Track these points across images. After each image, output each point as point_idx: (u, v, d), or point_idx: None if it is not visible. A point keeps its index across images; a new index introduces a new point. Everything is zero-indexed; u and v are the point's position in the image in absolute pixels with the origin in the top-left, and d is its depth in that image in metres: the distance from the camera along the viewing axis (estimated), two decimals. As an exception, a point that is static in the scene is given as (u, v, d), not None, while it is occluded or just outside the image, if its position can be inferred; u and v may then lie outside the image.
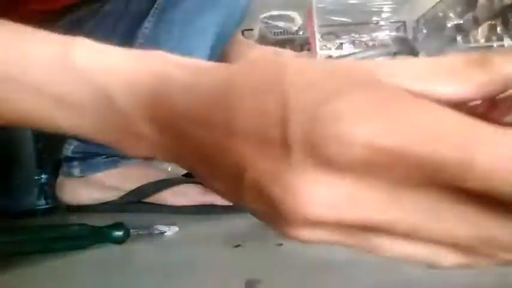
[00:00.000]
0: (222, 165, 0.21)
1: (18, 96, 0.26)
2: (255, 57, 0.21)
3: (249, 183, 0.19)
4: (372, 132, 0.16)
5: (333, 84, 0.18)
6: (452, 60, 0.19)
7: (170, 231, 0.58)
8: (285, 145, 0.18)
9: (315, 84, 0.18)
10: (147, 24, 0.76)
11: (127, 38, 0.77)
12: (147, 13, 0.77)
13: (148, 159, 0.25)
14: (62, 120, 0.26)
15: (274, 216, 0.19)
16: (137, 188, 0.76)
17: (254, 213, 0.21)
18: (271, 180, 0.18)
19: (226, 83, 0.21)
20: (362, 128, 0.16)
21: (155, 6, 0.77)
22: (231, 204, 0.39)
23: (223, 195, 0.23)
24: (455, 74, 0.19)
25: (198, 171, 0.23)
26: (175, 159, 0.24)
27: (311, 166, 0.17)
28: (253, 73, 0.20)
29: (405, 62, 0.20)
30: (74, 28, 0.77)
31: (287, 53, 0.87)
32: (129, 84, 0.24)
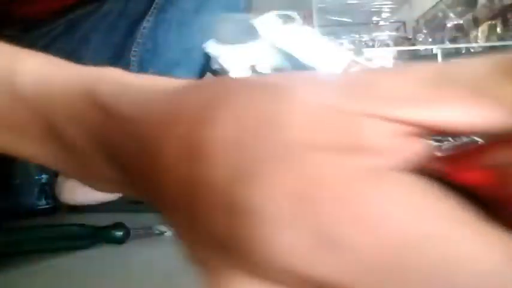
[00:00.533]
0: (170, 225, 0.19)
1: None
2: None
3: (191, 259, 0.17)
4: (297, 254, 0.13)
5: (255, 153, 0.14)
6: (472, 68, 0.14)
7: (170, 231, 0.58)
8: (209, 233, 0.15)
9: (238, 151, 0.14)
10: (146, 23, 0.76)
11: (126, 37, 0.77)
12: (146, 12, 0.77)
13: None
14: (13, 149, 0.24)
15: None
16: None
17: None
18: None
19: (161, 121, 0.17)
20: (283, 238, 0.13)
21: (154, 5, 0.77)
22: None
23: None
24: (480, 91, 0.13)
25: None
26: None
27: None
28: (181, 117, 0.16)
29: (401, 77, 0.14)
30: (73, 27, 0.77)
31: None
32: (78, 119, 0.21)
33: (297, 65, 0.66)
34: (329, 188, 0.13)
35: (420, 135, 0.14)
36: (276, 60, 0.67)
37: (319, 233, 0.13)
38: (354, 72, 0.16)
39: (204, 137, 0.15)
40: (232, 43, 0.69)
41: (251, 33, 0.67)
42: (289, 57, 0.66)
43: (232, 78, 0.18)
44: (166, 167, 0.16)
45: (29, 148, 0.24)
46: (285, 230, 0.13)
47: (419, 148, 0.14)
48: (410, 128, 0.14)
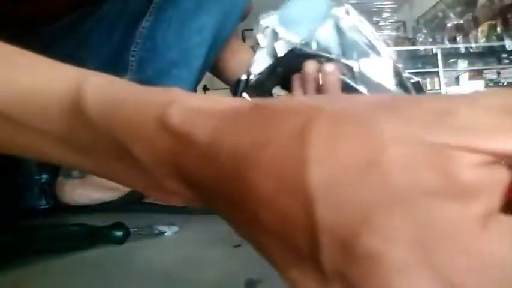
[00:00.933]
0: (256, 247, 0.19)
1: (26, 139, 0.25)
2: (274, 120, 0.18)
3: (282, 277, 0.18)
4: None
5: (364, 196, 0.15)
6: None
7: (170, 231, 0.58)
8: (316, 266, 0.16)
9: (342, 193, 0.15)
10: (145, 23, 0.76)
11: (125, 37, 0.77)
12: (145, 12, 0.77)
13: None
14: (75, 162, 0.25)
15: None
16: (137, 188, 0.76)
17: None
18: None
19: (243, 152, 0.18)
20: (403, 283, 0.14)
21: (153, 5, 0.77)
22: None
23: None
24: None
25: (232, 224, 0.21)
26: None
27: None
28: (271, 145, 0.17)
29: (474, 106, 0.15)
30: (73, 28, 0.77)
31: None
32: (149, 143, 0.21)
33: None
34: (449, 237, 0.14)
35: (501, 163, 0.15)
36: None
37: (442, 279, 0.14)
38: (425, 98, 0.17)
39: (300, 175, 0.16)
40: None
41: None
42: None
43: (308, 108, 0.18)
44: (260, 196, 0.17)
45: (93, 164, 0.24)
46: (409, 274, 0.14)
47: (505, 177, 0.15)
48: (492, 158, 0.15)
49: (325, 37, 0.65)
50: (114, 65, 0.76)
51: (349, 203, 0.15)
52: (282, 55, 0.67)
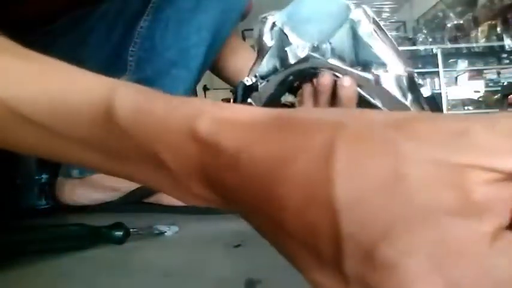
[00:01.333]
0: (280, 249, 0.21)
1: (64, 147, 0.26)
2: (303, 134, 0.19)
3: (305, 278, 0.19)
4: None
5: (386, 211, 0.16)
6: None
7: (170, 231, 0.58)
8: (338, 271, 0.17)
9: (366, 207, 0.16)
10: (143, 23, 0.76)
11: (124, 37, 0.77)
12: (143, 12, 0.77)
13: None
14: (107, 168, 0.26)
15: None
16: (137, 188, 0.76)
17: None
18: None
19: (270, 165, 0.19)
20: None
21: (151, 4, 0.77)
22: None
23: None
24: None
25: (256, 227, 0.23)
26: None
27: None
28: (297, 159, 0.19)
29: (490, 128, 0.17)
30: (72, 27, 0.77)
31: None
32: (177, 151, 0.23)
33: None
34: (461, 253, 0.15)
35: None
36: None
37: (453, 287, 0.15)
38: (441, 118, 0.18)
39: (327, 190, 0.17)
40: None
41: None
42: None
43: (332, 124, 0.19)
44: (287, 208, 0.18)
45: (124, 169, 0.26)
46: (423, 284, 0.15)
47: None
48: (503, 175, 0.16)
49: (341, 42, 0.61)
50: (113, 65, 0.76)
51: (373, 217, 0.16)
52: (294, 62, 0.62)
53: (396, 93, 0.60)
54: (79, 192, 0.79)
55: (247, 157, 0.20)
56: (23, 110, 0.26)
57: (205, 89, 5.04)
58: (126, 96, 0.25)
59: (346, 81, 0.60)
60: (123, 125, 0.24)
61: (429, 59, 4.77)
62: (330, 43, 0.61)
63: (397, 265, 0.16)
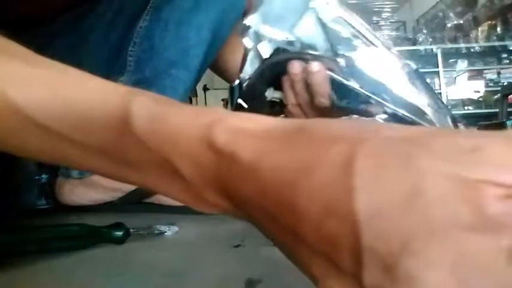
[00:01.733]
0: (292, 257, 0.21)
1: (74, 153, 0.27)
2: (320, 144, 0.20)
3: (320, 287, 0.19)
4: None
5: (406, 225, 0.17)
6: None
7: (170, 231, 0.58)
8: (357, 281, 0.17)
9: (386, 220, 0.17)
10: (142, 23, 0.76)
11: (123, 37, 0.77)
12: (143, 11, 0.77)
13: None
14: (119, 174, 0.27)
15: None
16: (137, 188, 0.76)
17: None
18: None
19: (290, 175, 0.20)
20: None
21: (150, 4, 0.77)
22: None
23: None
24: None
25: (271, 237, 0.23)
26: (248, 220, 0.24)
27: None
28: (316, 171, 0.19)
29: (501, 144, 0.17)
30: (71, 27, 0.77)
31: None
32: (193, 160, 0.23)
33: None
34: (478, 268, 0.16)
35: None
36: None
37: None
38: (456, 135, 0.19)
39: (347, 203, 0.17)
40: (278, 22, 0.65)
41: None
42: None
43: (351, 137, 0.19)
44: (305, 219, 0.19)
45: (137, 177, 0.26)
46: None
47: None
48: None
49: (308, 33, 0.63)
50: (112, 65, 0.76)
51: (393, 230, 0.17)
52: (266, 56, 0.66)
53: (377, 72, 0.62)
54: (79, 192, 0.79)
55: (267, 166, 0.20)
56: (29, 112, 0.26)
57: (205, 89, 5.04)
58: (142, 104, 0.25)
59: (314, 67, 0.62)
60: (140, 133, 0.24)
61: (429, 59, 4.77)
62: (297, 34, 0.64)
63: (417, 277, 0.16)
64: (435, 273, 0.16)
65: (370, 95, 0.61)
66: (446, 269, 0.16)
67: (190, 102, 2.92)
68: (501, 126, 2.77)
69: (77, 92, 0.27)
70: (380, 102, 0.61)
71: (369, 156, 0.18)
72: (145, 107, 0.25)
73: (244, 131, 0.22)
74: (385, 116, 0.61)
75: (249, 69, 0.68)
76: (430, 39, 4.85)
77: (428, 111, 0.61)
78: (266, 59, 0.66)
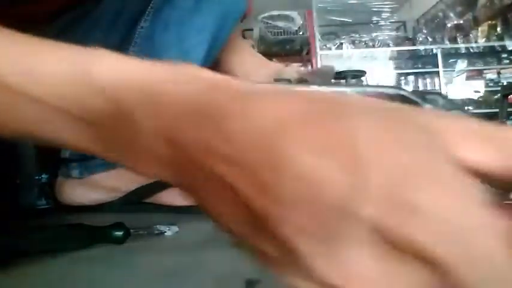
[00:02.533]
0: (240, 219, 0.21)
1: (25, 107, 0.26)
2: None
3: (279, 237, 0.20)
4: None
5: (407, 161, 0.17)
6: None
7: (170, 231, 0.58)
8: (354, 220, 0.18)
9: (393, 160, 0.17)
10: (143, 23, 0.76)
11: (124, 37, 0.77)
12: (143, 12, 0.77)
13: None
14: (69, 135, 0.26)
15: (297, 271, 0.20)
16: (137, 188, 0.76)
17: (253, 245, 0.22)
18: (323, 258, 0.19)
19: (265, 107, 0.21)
20: (437, 241, 0.17)
21: (151, 5, 0.77)
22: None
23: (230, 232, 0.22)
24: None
25: (207, 207, 0.23)
26: (185, 187, 0.24)
27: (371, 245, 0.18)
28: (311, 111, 0.19)
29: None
30: (71, 27, 0.77)
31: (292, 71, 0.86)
32: (150, 103, 0.24)
33: None
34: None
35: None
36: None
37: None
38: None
39: (350, 145, 0.18)
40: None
41: None
42: None
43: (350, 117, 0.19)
44: (300, 168, 0.18)
45: (94, 136, 0.26)
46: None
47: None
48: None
49: None
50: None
51: (395, 167, 0.17)
52: None
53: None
54: (79, 192, 0.79)
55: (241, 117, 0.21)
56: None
57: (205, 89, 5.03)
58: (105, 55, 0.26)
59: None
60: (97, 80, 0.25)
61: (429, 59, 4.76)
62: None
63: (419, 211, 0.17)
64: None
65: None
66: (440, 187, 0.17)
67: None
68: (501, 126, 2.76)
69: (36, 54, 0.28)
70: None
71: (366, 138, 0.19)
72: (106, 58, 0.26)
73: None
74: None
75: None
76: (430, 39, 4.85)
77: None
78: None
